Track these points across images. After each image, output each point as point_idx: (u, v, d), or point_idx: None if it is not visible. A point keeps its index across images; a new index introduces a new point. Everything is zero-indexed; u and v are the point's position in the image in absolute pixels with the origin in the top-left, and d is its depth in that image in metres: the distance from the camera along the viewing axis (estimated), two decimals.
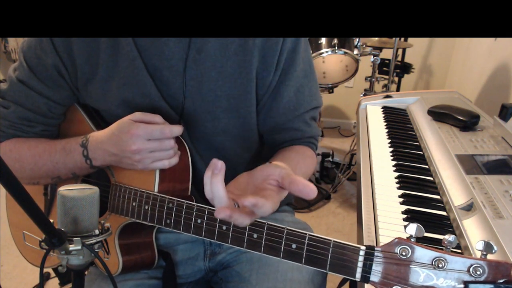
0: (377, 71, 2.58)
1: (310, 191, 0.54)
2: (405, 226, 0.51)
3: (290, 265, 0.83)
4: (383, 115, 1.41)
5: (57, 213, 0.56)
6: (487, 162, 0.94)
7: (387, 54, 2.57)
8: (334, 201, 2.56)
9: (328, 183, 2.71)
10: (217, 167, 0.52)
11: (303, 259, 0.57)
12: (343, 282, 0.81)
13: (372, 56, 2.46)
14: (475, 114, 1.18)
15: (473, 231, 0.74)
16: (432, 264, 0.49)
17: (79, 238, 0.54)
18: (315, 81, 0.92)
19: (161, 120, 0.76)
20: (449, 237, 0.49)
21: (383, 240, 0.75)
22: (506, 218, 0.73)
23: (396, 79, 2.79)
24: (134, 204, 0.77)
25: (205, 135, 0.85)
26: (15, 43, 3.22)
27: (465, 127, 1.15)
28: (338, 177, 2.65)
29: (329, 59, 2.26)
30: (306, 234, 0.57)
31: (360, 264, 0.53)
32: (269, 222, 0.60)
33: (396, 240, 0.51)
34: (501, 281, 0.46)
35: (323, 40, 2.22)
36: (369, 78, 2.60)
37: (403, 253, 0.50)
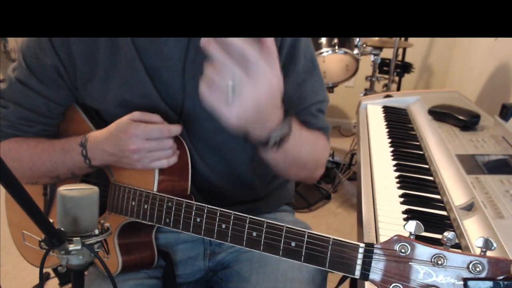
0: (377, 71, 2.58)
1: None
2: (404, 224, 0.51)
3: (290, 264, 0.83)
4: (384, 114, 1.41)
5: (57, 213, 0.56)
6: (487, 162, 0.94)
7: (387, 53, 2.57)
8: (334, 201, 2.55)
9: (328, 183, 2.70)
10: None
11: (303, 257, 0.57)
12: (342, 280, 0.81)
13: (372, 56, 2.45)
14: (476, 113, 1.17)
15: (473, 231, 0.74)
16: (431, 261, 0.49)
17: (78, 238, 0.54)
18: (320, 78, 0.90)
19: (160, 120, 0.76)
20: (448, 234, 0.49)
21: (383, 240, 0.75)
22: (506, 218, 0.72)
23: (397, 78, 2.79)
24: (133, 203, 0.77)
25: (205, 135, 0.85)
26: (14, 43, 3.23)
27: (465, 126, 1.15)
28: (338, 177, 2.65)
29: (329, 59, 2.26)
30: (305, 232, 0.57)
31: (359, 261, 0.53)
32: (268, 221, 0.60)
33: (396, 237, 0.51)
34: (501, 277, 0.46)
35: (323, 39, 2.22)
36: (369, 78, 2.60)
37: (403, 250, 0.50)
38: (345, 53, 2.22)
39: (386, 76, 2.63)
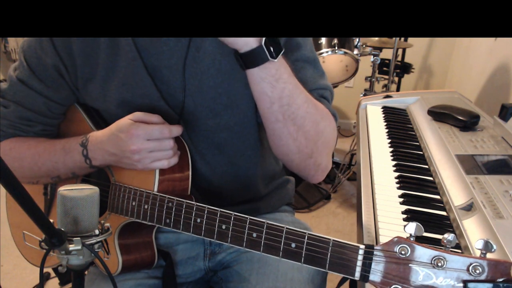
0: (377, 71, 2.58)
1: None
2: (405, 226, 0.51)
3: (290, 265, 0.83)
4: (383, 115, 1.41)
5: (57, 213, 0.56)
6: (487, 162, 0.94)
7: (387, 54, 2.57)
8: (334, 201, 2.55)
9: (328, 183, 2.70)
10: None
11: (303, 258, 0.57)
12: (342, 281, 0.81)
13: (372, 56, 2.46)
14: (475, 114, 1.18)
15: (473, 231, 0.74)
16: (431, 263, 0.49)
17: (79, 238, 0.54)
18: (320, 69, 0.87)
19: (161, 120, 0.76)
20: (448, 236, 0.49)
21: (383, 240, 0.75)
22: (506, 218, 0.73)
23: (396, 79, 2.79)
24: (133, 203, 0.77)
25: (207, 133, 0.85)
26: (15, 43, 3.23)
27: (465, 127, 1.15)
28: (338, 177, 2.65)
29: (329, 59, 2.26)
30: (305, 233, 0.57)
31: (359, 263, 0.53)
32: (268, 221, 0.60)
33: (396, 239, 0.51)
34: (501, 280, 0.46)
35: (323, 40, 2.22)
36: (369, 78, 2.60)
37: (403, 252, 0.50)
38: (345, 53, 2.22)
39: (386, 77, 2.63)
